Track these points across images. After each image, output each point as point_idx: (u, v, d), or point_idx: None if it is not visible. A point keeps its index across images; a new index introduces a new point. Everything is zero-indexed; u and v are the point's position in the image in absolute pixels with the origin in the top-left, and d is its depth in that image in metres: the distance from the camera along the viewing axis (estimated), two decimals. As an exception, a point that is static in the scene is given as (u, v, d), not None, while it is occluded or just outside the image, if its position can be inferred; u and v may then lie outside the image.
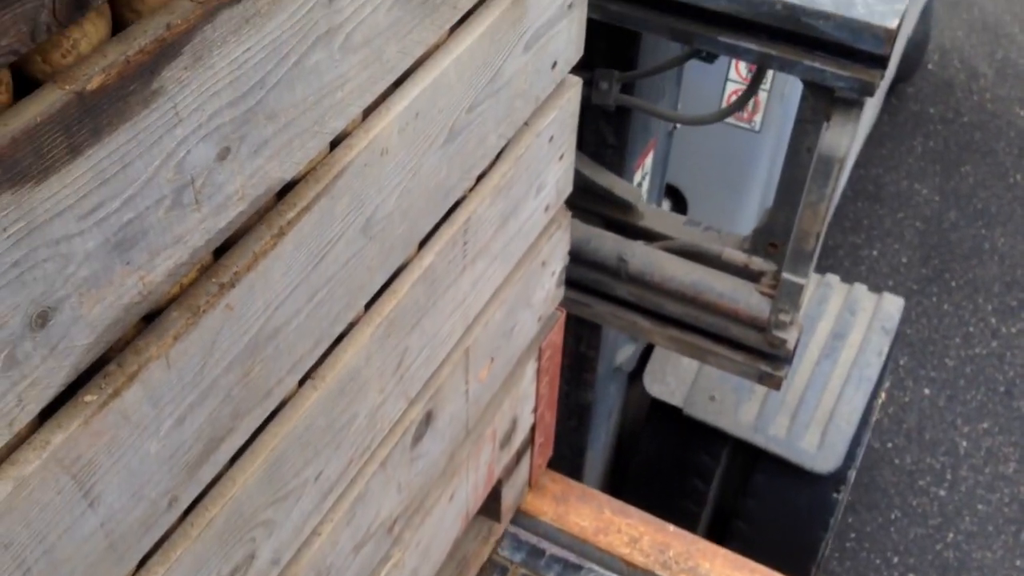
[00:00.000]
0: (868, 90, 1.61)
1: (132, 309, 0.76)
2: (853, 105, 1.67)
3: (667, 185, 2.98)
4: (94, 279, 0.71)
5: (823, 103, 1.71)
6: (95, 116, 0.66)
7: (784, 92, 3.06)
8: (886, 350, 3.02)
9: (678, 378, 2.93)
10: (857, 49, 1.58)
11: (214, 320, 0.85)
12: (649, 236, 2.16)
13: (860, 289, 3.16)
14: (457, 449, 1.54)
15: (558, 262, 1.66)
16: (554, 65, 1.35)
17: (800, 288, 1.90)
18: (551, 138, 1.43)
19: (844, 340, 3.04)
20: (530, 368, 1.72)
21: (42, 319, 0.67)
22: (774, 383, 2.07)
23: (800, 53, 1.63)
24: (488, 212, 1.31)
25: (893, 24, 1.54)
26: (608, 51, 1.97)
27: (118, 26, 0.70)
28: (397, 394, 1.25)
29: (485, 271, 1.38)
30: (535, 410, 1.83)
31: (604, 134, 2.22)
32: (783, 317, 1.95)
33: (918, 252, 4.13)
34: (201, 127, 0.76)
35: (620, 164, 2.23)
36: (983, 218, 4.23)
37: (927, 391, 3.83)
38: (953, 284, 4.07)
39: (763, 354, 2.05)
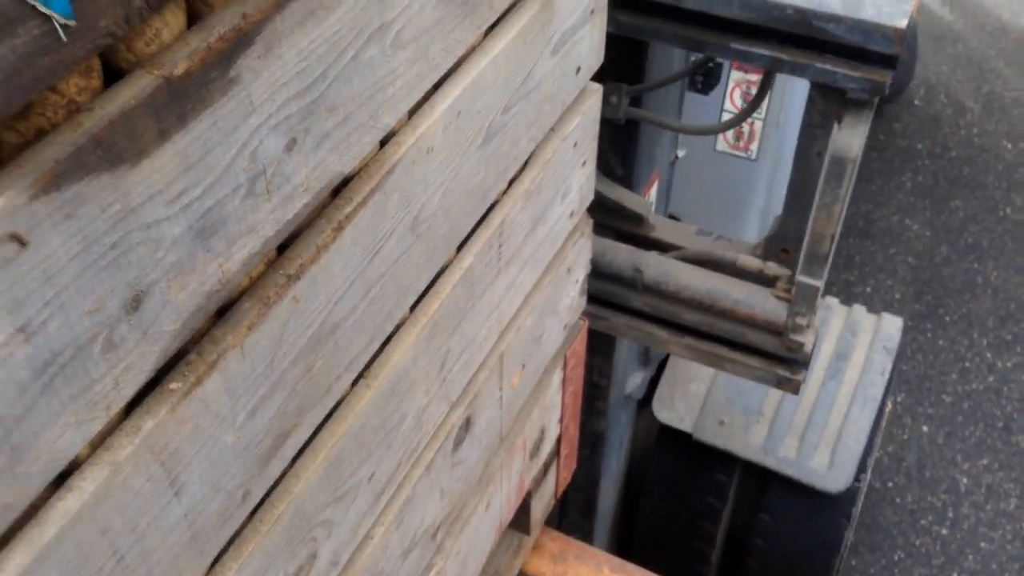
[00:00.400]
0: (879, 90, 1.65)
1: (212, 297, 0.77)
2: (864, 106, 1.71)
3: (668, 214, 3.03)
4: (180, 265, 0.72)
5: (834, 105, 1.75)
6: (181, 101, 0.68)
7: (780, 120, 3.12)
8: (889, 368, 3.07)
9: (687, 404, 2.95)
10: (868, 50, 1.62)
11: (282, 312, 0.86)
12: (661, 247, 2.18)
13: (859, 310, 3.22)
14: (492, 457, 1.55)
15: (582, 270, 1.68)
16: (578, 70, 1.37)
17: (816, 290, 1.92)
18: (575, 144, 1.45)
19: (847, 361, 3.08)
20: (556, 377, 1.73)
21: (136, 302, 0.69)
22: (792, 387, 2.09)
23: (811, 56, 1.67)
24: (520, 216, 1.33)
25: (903, 24, 1.58)
26: (616, 65, 2.01)
27: (191, 18, 0.72)
28: (440, 397, 1.26)
29: (517, 276, 1.39)
30: (561, 420, 1.84)
31: (612, 165, 2.26)
32: (800, 320, 1.97)
33: (911, 288, 4.17)
34: (271, 117, 0.77)
35: (628, 194, 2.27)
36: (975, 252, 4.27)
37: (926, 428, 3.85)
38: (948, 319, 4.10)
39: (780, 359, 2.07)
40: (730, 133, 3.21)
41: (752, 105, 1.98)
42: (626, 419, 3.02)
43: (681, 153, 2.70)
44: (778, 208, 3.35)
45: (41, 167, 0.59)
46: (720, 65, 2.88)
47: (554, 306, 1.59)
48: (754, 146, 3.19)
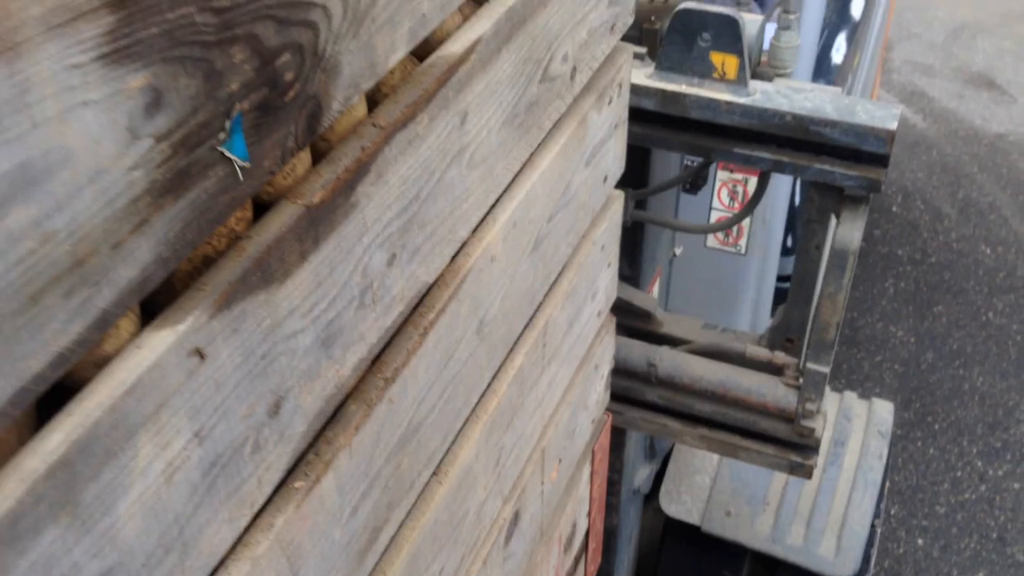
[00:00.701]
0: (875, 187, 1.77)
1: (330, 400, 0.84)
2: (860, 201, 1.83)
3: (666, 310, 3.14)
4: (308, 372, 0.80)
5: (832, 201, 1.87)
6: (316, 226, 0.76)
7: (765, 217, 3.26)
8: (885, 452, 3.16)
9: (693, 496, 3.01)
10: (862, 151, 1.74)
11: (381, 413, 0.93)
12: (671, 341, 2.27)
13: (851, 397, 3.32)
14: (535, 551, 1.60)
15: (607, 365, 1.76)
16: (605, 179, 1.48)
17: (824, 376, 2.01)
18: (603, 247, 1.55)
19: (845, 447, 3.18)
20: (585, 471, 1.80)
21: (276, 407, 0.76)
22: (805, 472, 2.16)
23: (810, 158, 1.79)
24: (559, 316, 1.42)
25: (893, 126, 1.71)
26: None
27: (314, 154, 0.81)
28: (496, 492, 1.33)
29: (556, 373, 1.47)
30: (589, 514, 1.90)
31: (620, 266, 2.36)
32: (810, 406, 2.06)
33: (899, 396, 4.20)
34: (379, 235, 0.86)
35: (633, 293, 2.37)
36: (960, 358, 4.31)
37: (920, 541, 3.86)
38: (936, 427, 4.13)
39: (793, 445, 2.14)
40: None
41: (752, 203, 2.10)
42: (634, 513, 3.07)
43: (678, 251, 2.82)
44: (767, 300, 3.47)
45: (218, 289, 0.67)
46: (706, 167, 3.03)
47: (585, 401, 1.67)
48: (743, 242, 3.31)
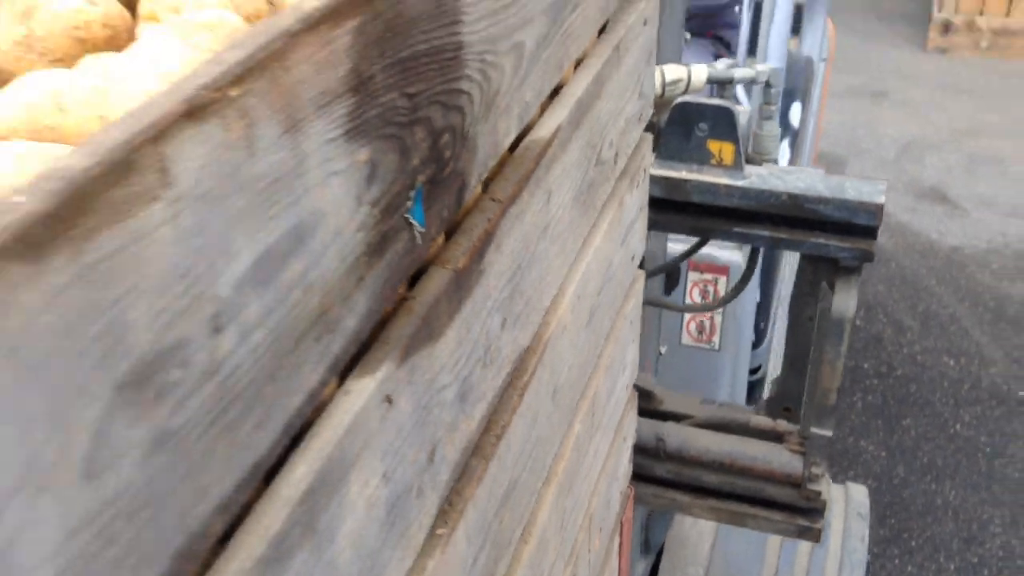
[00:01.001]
0: (868, 257, 1.90)
1: (464, 453, 0.91)
2: (853, 272, 1.96)
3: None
4: (451, 424, 0.87)
5: (826, 273, 2.00)
6: (460, 290, 0.85)
7: (736, 312, 3.42)
8: (866, 535, 3.28)
9: None
10: (854, 224, 1.88)
11: (493, 468, 1.00)
12: (673, 418, 2.36)
13: (826, 481, 3.43)
14: (582, 619, 1.65)
15: (631, 439, 1.84)
16: (633, 258, 1.59)
17: (828, 440, 2.11)
18: (631, 322, 1.65)
19: (829, 528, 3.29)
20: (615, 543, 1.86)
21: (432, 456, 0.83)
22: (814, 535, 2.24)
23: (805, 233, 1.93)
24: (602, 387, 1.51)
25: (881, 200, 1.85)
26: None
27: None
28: (561, 555, 1.39)
29: (600, 442, 1.55)
30: (618, 586, 1.95)
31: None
32: (815, 470, 2.15)
33: (874, 512, 4.08)
34: (496, 300, 0.95)
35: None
36: (931, 472, 4.28)
37: None
38: (913, 544, 4.08)
39: (800, 509, 2.23)
40: (693, 328, 3.48)
41: (742, 283, 2.23)
42: (633, 608, 3.10)
43: (663, 349, 2.94)
44: (741, 392, 3.59)
45: (399, 343, 0.75)
46: (679, 269, 3.17)
47: (616, 472, 1.74)
48: (716, 338, 3.45)
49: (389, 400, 0.73)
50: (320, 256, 0.61)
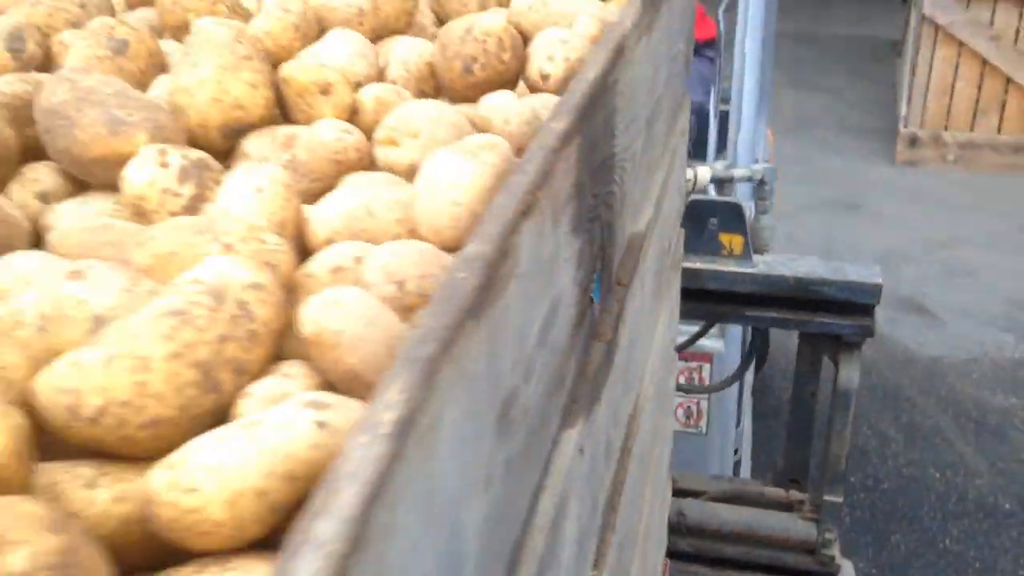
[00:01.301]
0: (869, 332, 2.10)
1: (605, 503, 1.05)
2: (855, 347, 2.15)
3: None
4: (601, 478, 1.01)
5: (828, 349, 2.18)
6: (609, 358, 1.00)
7: (721, 398, 3.60)
8: None
9: None
10: (855, 303, 2.08)
11: (619, 520, 1.14)
12: (687, 494, 2.50)
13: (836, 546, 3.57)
14: None
15: (668, 505, 1.97)
16: (674, 339, 1.75)
17: (840, 506, 2.27)
18: (673, 398, 1.80)
19: None
20: (658, 611, 1.97)
21: (595, 504, 0.96)
22: (828, 599, 2.37)
23: (810, 313, 2.12)
24: (659, 455, 1.65)
25: (879, 280, 2.05)
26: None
27: (574, 309, 1.05)
28: (638, 613, 1.51)
29: (656, 506, 1.69)
30: (659, 655, 2.05)
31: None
32: (828, 535, 2.30)
33: None
34: (620, 370, 1.10)
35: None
36: None
37: None
38: None
39: (814, 574, 2.37)
40: (681, 413, 3.64)
41: (750, 355, 2.41)
42: None
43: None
44: (727, 474, 3.73)
45: (586, 403, 0.89)
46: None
47: (661, 539, 1.87)
48: (703, 423, 3.61)
49: (581, 451, 0.87)
50: (561, 325, 0.76)
